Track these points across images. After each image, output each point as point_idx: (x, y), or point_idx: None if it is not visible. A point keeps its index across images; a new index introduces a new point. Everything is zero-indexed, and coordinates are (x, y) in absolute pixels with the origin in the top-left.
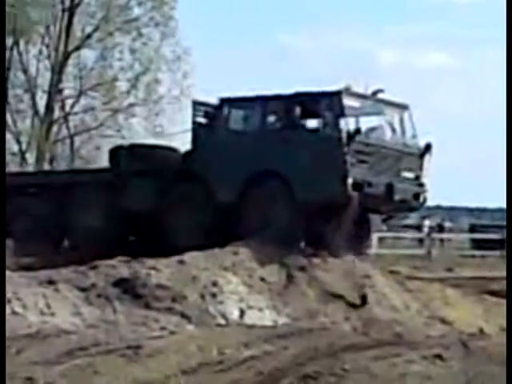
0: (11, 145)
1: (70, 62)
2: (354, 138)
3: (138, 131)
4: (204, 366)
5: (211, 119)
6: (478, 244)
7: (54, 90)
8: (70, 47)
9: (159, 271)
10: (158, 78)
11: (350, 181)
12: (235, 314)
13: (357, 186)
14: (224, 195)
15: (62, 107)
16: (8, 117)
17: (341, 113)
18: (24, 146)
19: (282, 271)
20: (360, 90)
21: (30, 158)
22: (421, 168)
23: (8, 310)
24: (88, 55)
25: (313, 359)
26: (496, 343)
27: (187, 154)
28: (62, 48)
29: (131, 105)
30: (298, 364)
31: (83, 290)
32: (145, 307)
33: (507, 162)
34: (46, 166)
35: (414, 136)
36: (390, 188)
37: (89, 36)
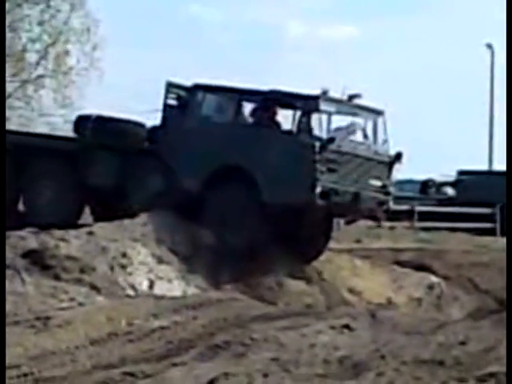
0: None
1: None
2: (327, 147)
3: (48, 103)
4: (113, 336)
5: (183, 103)
6: (386, 215)
7: None
8: None
9: (68, 242)
10: (68, 50)
11: (318, 190)
12: (144, 285)
13: (324, 194)
14: (188, 183)
15: None
16: None
17: (317, 118)
18: None
19: (191, 242)
20: (337, 94)
21: None
22: (388, 176)
23: None
24: None
25: (222, 329)
26: (404, 313)
27: (153, 129)
28: None
29: (40, 76)
30: (207, 334)
31: None
32: (54, 278)
33: (507, 157)
34: None
35: (385, 141)
36: (356, 197)
37: None
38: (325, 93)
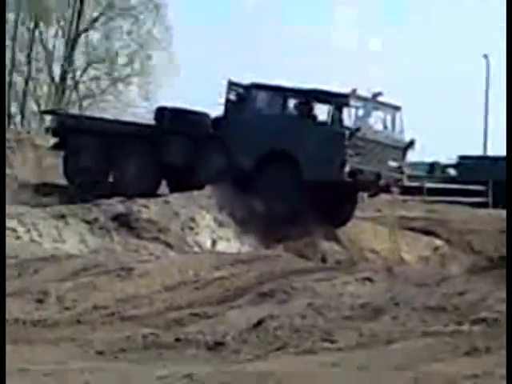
0: (32, 106)
1: (80, 40)
2: (354, 135)
3: (134, 97)
4: (183, 284)
5: (241, 98)
6: (400, 190)
7: (67, 62)
8: (80, 28)
9: (148, 208)
10: (150, 54)
11: (346, 169)
12: (208, 244)
13: (352, 173)
14: (243, 162)
15: (73, 76)
16: (30, 84)
17: (347, 112)
18: (42, 108)
19: (246, 210)
20: (364, 92)
21: (47, 117)
22: (403, 159)
23: (27, 238)
24: (95, 35)
25: (269, 280)
26: (414, 269)
27: (216, 119)
28: (74, 29)
29: (128, 75)
30: (257, 283)
31: (88, 222)
32: (136, 237)
33: (507, 157)
34: None
35: (402, 131)
36: (377, 176)
37: (95, 20)
38: (354, 91)
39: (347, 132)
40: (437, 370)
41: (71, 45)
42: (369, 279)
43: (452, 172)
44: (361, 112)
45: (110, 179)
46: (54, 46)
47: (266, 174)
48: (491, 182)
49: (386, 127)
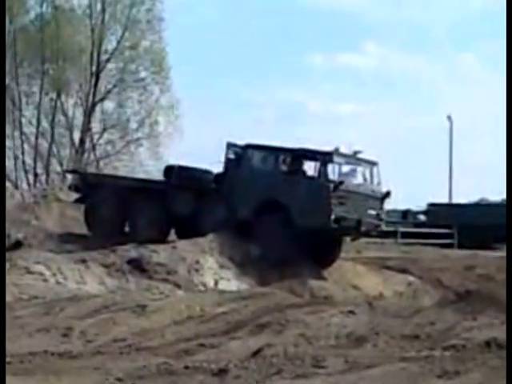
0: (55, 167)
1: (97, 108)
2: (338, 187)
3: (144, 157)
4: (190, 319)
5: (239, 157)
6: (378, 233)
7: (85, 128)
8: (96, 99)
9: (158, 253)
10: (158, 120)
11: (332, 217)
12: (211, 283)
13: (336, 220)
14: (242, 213)
15: (91, 140)
16: (53, 147)
17: (331, 167)
18: (64, 168)
19: (244, 253)
20: (345, 150)
21: (69, 175)
22: (381, 207)
23: (53, 281)
24: (109, 104)
25: (265, 313)
26: (391, 303)
27: (217, 175)
28: (91, 99)
29: (139, 138)
30: (255, 317)
31: (106, 266)
32: (148, 278)
33: (507, 165)
34: None
35: (379, 183)
36: (359, 222)
37: (109, 91)
38: (337, 150)
39: (332, 185)
40: None
41: (89, 112)
42: (352, 312)
43: (422, 217)
44: (343, 167)
45: (126, 228)
46: (73, 114)
47: (261, 222)
48: (456, 225)
49: (365, 180)
